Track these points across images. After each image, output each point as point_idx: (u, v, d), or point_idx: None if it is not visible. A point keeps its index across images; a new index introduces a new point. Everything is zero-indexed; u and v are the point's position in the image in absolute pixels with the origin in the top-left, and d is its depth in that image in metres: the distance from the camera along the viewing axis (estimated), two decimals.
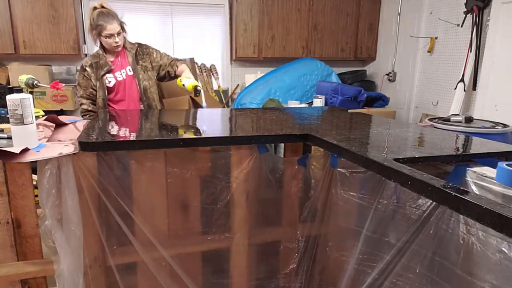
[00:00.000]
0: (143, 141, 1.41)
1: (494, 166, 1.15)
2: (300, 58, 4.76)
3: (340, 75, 4.95)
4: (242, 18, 4.59)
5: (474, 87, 3.56)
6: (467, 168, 1.21)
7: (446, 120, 2.77)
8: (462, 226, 1.08)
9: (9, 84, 3.84)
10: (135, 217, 1.50)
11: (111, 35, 2.27)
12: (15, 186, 1.45)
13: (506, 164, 1.06)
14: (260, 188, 1.68)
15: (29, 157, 1.30)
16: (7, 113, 2.05)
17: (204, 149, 1.59)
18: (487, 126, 2.68)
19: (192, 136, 1.56)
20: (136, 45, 2.45)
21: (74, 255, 1.46)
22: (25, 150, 1.34)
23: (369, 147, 1.33)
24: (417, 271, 1.22)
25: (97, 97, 2.36)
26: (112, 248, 1.53)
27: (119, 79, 2.37)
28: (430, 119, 2.85)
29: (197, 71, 4.27)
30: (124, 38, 2.39)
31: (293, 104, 4.08)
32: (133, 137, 1.55)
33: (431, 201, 1.14)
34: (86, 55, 4.25)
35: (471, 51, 3.53)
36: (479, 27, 3.45)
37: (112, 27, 2.25)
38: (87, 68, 2.33)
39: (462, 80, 3.60)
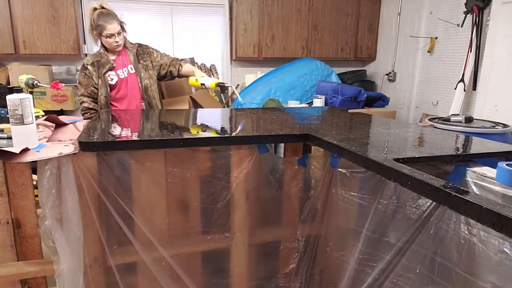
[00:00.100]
0: (143, 141, 1.41)
1: (494, 166, 1.15)
2: (300, 58, 4.76)
3: (340, 75, 4.95)
4: (242, 18, 4.59)
5: (474, 87, 3.56)
6: (467, 168, 1.21)
7: (446, 120, 2.77)
8: (463, 226, 1.08)
9: (9, 84, 3.83)
10: (135, 217, 1.50)
11: (111, 35, 2.30)
12: (15, 186, 1.45)
13: (506, 164, 1.06)
14: (260, 188, 1.68)
15: (29, 157, 1.30)
16: (7, 113, 2.05)
17: (204, 149, 1.59)
18: (487, 126, 2.68)
19: (192, 136, 1.56)
20: (137, 45, 2.49)
21: (74, 255, 1.46)
22: (25, 150, 1.34)
23: (369, 147, 1.33)
24: (417, 271, 1.21)
25: (99, 95, 2.37)
26: (112, 248, 1.53)
27: (121, 76, 2.39)
28: (430, 119, 2.85)
29: None
30: (125, 38, 2.42)
31: (293, 104, 4.08)
32: (133, 137, 1.55)
33: (431, 201, 1.14)
34: (86, 55, 4.25)
35: (471, 51, 3.53)
36: (479, 27, 3.45)
37: (112, 27, 2.28)
38: (89, 67, 2.35)
39: (462, 80, 3.60)
